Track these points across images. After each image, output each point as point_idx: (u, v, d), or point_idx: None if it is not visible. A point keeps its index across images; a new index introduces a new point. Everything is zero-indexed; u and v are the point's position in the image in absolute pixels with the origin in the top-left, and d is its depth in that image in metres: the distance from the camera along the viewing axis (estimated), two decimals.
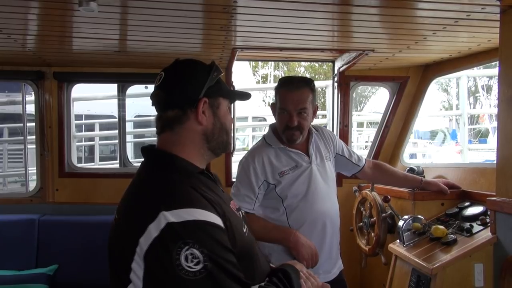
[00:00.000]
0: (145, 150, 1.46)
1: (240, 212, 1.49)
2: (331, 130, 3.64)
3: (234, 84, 3.65)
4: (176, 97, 1.38)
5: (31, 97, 3.84)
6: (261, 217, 2.36)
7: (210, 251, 1.16)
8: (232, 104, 3.94)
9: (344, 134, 3.68)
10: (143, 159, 1.47)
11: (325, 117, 4.54)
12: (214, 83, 1.43)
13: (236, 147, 3.71)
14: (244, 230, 1.39)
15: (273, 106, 2.45)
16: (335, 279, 2.42)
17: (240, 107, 3.82)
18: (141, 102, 9.29)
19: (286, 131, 2.32)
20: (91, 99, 7.69)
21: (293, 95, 2.29)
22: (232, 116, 1.51)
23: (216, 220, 1.23)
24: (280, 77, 2.47)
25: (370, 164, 2.77)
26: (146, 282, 1.16)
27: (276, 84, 2.42)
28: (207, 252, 1.15)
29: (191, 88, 1.39)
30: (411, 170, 3.18)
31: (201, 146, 1.41)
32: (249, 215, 2.22)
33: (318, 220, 2.34)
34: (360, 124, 11.80)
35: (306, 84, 2.34)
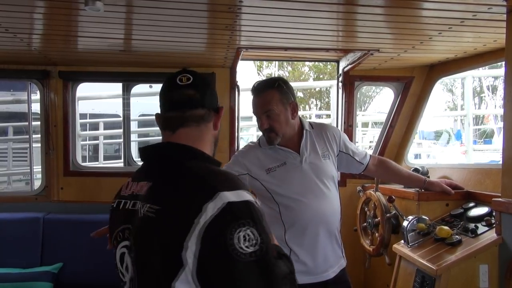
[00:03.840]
0: (159, 146, 1.44)
1: None
2: None
3: (238, 83, 3.66)
4: (207, 99, 1.44)
5: (36, 96, 3.86)
6: None
7: (265, 234, 1.16)
8: (237, 104, 3.98)
9: (348, 134, 3.67)
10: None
11: (330, 117, 4.54)
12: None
13: (240, 146, 3.71)
14: None
15: None
16: (337, 278, 2.40)
17: (244, 107, 3.82)
18: (145, 101, 9.33)
19: (264, 134, 2.39)
20: (96, 98, 7.72)
21: (257, 100, 2.37)
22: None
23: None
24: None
25: (375, 161, 2.72)
26: (200, 262, 1.12)
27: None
28: (263, 235, 1.15)
29: (215, 95, 1.48)
30: (416, 170, 3.17)
31: (212, 148, 1.47)
32: None
33: (311, 219, 2.30)
34: (365, 124, 11.77)
35: (269, 86, 2.37)
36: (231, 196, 1.17)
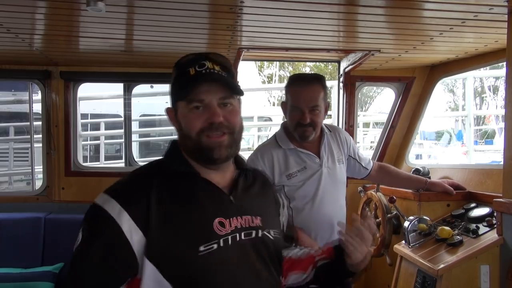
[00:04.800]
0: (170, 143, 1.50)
1: (238, 233, 1.30)
2: None
3: (239, 84, 3.65)
4: None
5: (37, 96, 3.86)
6: None
7: (80, 242, 1.23)
8: (238, 103, 3.92)
9: (350, 134, 3.67)
10: None
11: (331, 117, 4.54)
12: (173, 85, 1.34)
13: (241, 147, 3.71)
14: (202, 249, 1.21)
15: (284, 105, 2.41)
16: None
17: (245, 107, 3.81)
18: (146, 101, 9.33)
19: (298, 128, 2.28)
20: (97, 99, 7.72)
21: (304, 92, 2.26)
22: (184, 122, 1.32)
23: (123, 218, 1.19)
24: (290, 75, 2.43)
25: (376, 166, 2.76)
26: None
27: (280, 84, 2.42)
28: (79, 242, 1.23)
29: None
30: (417, 171, 3.17)
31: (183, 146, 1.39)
32: None
33: (324, 224, 2.30)
34: (366, 125, 11.76)
35: (318, 80, 2.31)
36: (100, 198, 1.30)
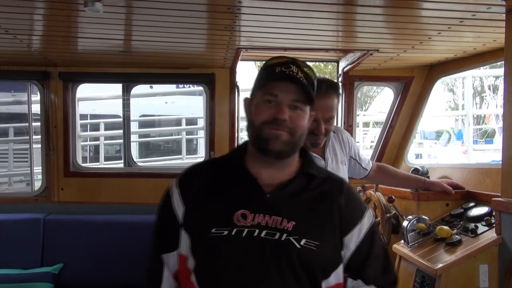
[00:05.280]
0: None
1: (257, 230, 1.33)
2: None
3: (238, 84, 3.66)
4: None
5: (36, 97, 3.86)
6: None
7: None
8: (237, 104, 3.97)
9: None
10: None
11: None
12: (257, 77, 1.45)
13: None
14: (213, 231, 1.33)
15: None
16: None
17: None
18: (146, 101, 9.34)
19: (310, 136, 2.16)
20: (96, 99, 7.72)
21: (321, 102, 2.14)
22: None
23: (175, 194, 1.45)
24: None
25: (374, 167, 2.77)
26: None
27: None
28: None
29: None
30: (416, 170, 3.17)
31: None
32: None
33: None
34: (366, 124, 11.77)
35: (334, 90, 2.25)
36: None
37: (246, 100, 1.47)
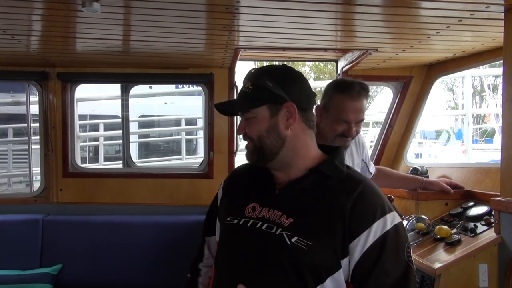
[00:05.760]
0: None
1: (260, 222, 1.43)
2: None
3: (237, 84, 3.65)
4: None
5: (35, 98, 3.86)
6: None
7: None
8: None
9: None
10: None
11: None
12: None
13: (240, 147, 3.71)
14: (228, 219, 1.53)
15: (323, 110, 2.24)
16: None
17: None
18: (145, 102, 9.33)
19: (338, 138, 2.18)
20: (95, 100, 7.72)
21: (354, 104, 2.15)
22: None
23: (220, 187, 1.72)
24: (336, 80, 2.33)
25: (375, 171, 2.79)
26: None
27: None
28: None
29: None
30: (415, 170, 3.17)
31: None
32: None
33: None
34: (366, 124, 11.76)
35: (365, 91, 2.20)
36: None
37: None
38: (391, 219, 1.38)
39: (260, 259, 1.39)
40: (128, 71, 3.64)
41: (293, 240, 1.34)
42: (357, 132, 2.23)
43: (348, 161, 2.39)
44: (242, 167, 1.72)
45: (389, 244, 1.35)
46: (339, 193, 1.40)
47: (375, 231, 1.34)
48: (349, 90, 2.17)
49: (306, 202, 1.41)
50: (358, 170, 2.47)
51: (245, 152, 1.52)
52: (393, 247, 1.36)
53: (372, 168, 2.74)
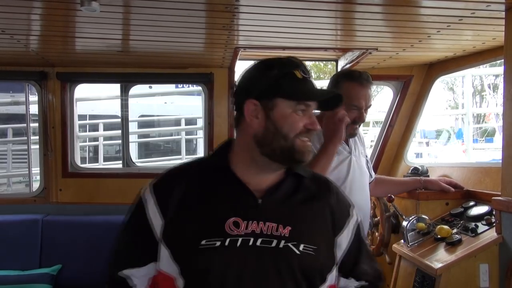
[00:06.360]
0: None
1: (253, 238, 1.27)
2: None
3: (237, 83, 3.64)
4: (236, 99, 1.37)
5: (35, 98, 3.85)
6: None
7: (123, 224, 1.40)
8: None
9: None
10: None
11: None
12: (274, 82, 1.30)
13: None
14: (203, 242, 1.24)
15: None
16: None
17: None
18: (145, 102, 9.32)
19: (350, 126, 2.24)
20: (94, 99, 7.71)
21: (365, 91, 2.25)
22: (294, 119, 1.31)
23: (150, 204, 1.33)
24: (343, 70, 2.41)
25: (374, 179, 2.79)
26: None
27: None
28: (123, 223, 1.40)
29: (242, 90, 1.36)
30: (415, 169, 3.16)
31: (252, 150, 1.32)
32: None
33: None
34: (366, 123, 11.76)
35: (371, 80, 2.32)
36: (146, 185, 1.39)
37: (250, 103, 1.36)
38: (353, 205, 1.51)
39: (271, 278, 1.25)
40: (128, 71, 3.64)
41: (301, 248, 1.29)
42: (364, 120, 2.32)
43: (353, 148, 2.42)
44: (178, 172, 1.40)
45: (362, 231, 1.50)
46: (321, 191, 1.42)
47: (353, 220, 1.45)
48: (358, 77, 2.26)
49: (295, 207, 1.35)
50: (364, 160, 2.51)
51: None
52: (363, 233, 1.53)
53: (373, 173, 2.74)
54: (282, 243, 1.27)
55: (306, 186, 1.40)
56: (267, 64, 1.35)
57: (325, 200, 1.41)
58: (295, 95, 1.30)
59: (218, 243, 1.24)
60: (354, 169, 2.36)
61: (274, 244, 1.26)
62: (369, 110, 2.33)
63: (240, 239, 1.24)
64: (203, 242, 1.24)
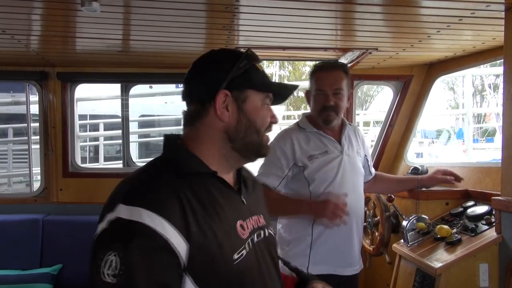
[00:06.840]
0: (166, 139, 1.31)
1: (253, 235, 1.26)
2: None
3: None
4: (195, 90, 1.26)
5: (35, 97, 3.86)
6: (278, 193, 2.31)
7: (132, 269, 1.01)
8: None
9: None
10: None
11: None
12: (243, 73, 1.22)
13: None
14: (236, 257, 1.15)
15: (307, 93, 2.48)
16: (351, 278, 2.41)
17: None
18: (146, 101, 9.33)
19: (322, 112, 2.35)
20: (95, 99, 7.72)
21: (328, 76, 2.35)
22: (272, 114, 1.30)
23: (167, 234, 1.04)
24: (314, 64, 2.47)
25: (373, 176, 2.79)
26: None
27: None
28: (127, 269, 1.01)
29: (211, 79, 1.23)
30: (415, 169, 3.16)
31: (222, 145, 1.24)
32: (267, 190, 2.17)
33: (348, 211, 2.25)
34: (366, 123, 11.77)
35: (341, 67, 2.41)
36: (124, 211, 1.05)
37: (224, 93, 1.24)
38: None
39: (271, 265, 1.31)
40: (128, 71, 3.64)
41: (272, 231, 1.39)
42: (336, 104, 2.33)
43: (346, 145, 2.42)
44: (167, 185, 1.12)
45: None
46: (255, 179, 1.48)
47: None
48: (322, 66, 2.41)
49: (255, 196, 1.40)
50: (359, 158, 2.50)
51: None
52: None
53: (373, 170, 2.74)
54: (266, 231, 1.34)
55: (242, 173, 1.38)
56: (236, 54, 1.26)
57: (259, 185, 1.50)
58: (265, 87, 1.27)
59: (244, 252, 1.18)
60: (345, 169, 2.35)
61: (263, 234, 1.32)
62: (345, 94, 2.36)
63: (249, 240, 1.23)
64: (235, 256, 1.15)
